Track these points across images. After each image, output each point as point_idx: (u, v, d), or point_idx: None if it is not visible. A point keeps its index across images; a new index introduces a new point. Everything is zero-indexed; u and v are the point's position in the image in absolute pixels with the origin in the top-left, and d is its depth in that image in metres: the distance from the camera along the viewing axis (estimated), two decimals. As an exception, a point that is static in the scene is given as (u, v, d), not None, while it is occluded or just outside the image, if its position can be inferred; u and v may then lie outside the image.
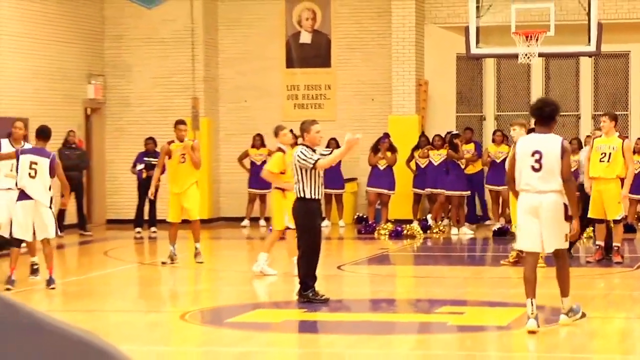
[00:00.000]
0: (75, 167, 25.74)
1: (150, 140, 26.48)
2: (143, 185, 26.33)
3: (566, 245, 13.47)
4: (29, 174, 16.49)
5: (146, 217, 26.48)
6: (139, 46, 29.49)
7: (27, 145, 17.63)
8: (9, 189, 17.24)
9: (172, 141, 20.13)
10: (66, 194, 17.46)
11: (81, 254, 24.50)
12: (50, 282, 16.67)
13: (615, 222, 19.28)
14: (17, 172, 16.66)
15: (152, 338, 13.63)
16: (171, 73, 29.33)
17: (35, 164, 16.49)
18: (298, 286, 15.49)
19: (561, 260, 13.16)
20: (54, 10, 27.33)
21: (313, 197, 15.35)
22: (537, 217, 12.84)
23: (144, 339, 13.42)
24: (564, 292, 13.08)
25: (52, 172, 16.51)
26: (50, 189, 16.57)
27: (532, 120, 26.38)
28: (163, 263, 19.73)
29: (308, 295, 15.42)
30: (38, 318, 1.37)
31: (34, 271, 17.56)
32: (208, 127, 29.31)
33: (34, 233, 16.60)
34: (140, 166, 26.18)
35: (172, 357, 12.64)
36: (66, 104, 27.71)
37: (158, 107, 29.16)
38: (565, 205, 12.87)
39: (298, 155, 15.38)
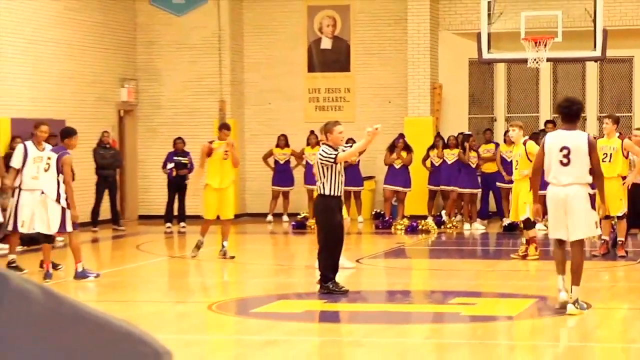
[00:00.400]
0: (109, 166, 25.87)
1: (180, 140, 26.63)
2: (173, 183, 26.50)
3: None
4: (44, 168, 16.60)
5: (176, 212, 26.60)
6: (169, 52, 29.55)
7: (48, 147, 17.63)
8: (34, 190, 17.18)
9: (213, 141, 19.88)
10: (69, 194, 16.75)
11: (115, 248, 24.56)
12: (76, 274, 16.70)
13: (618, 218, 19.28)
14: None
15: (181, 327, 13.65)
16: (200, 77, 29.38)
17: (49, 158, 16.59)
18: (319, 278, 15.54)
19: (578, 250, 13.37)
20: (90, 18, 27.41)
21: (333, 194, 15.36)
22: (564, 208, 13.11)
23: (173, 328, 13.45)
24: (576, 281, 13.23)
25: (59, 169, 16.49)
26: (59, 184, 16.48)
27: (543, 122, 26.41)
28: (193, 256, 19.65)
29: (329, 287, 15.44)
30: (80, 309, 1.37)
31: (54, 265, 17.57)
32: (234, 128, 29.25)
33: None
34: (170, 165, 26.33)
35: (200, 345, 12.67)
36: (101, 106, 27.80)
37: (187, 110, 29.22)
38: (590, 195, 13.25)
39: (320, 154, 15.42)
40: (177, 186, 26.62)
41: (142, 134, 29.53)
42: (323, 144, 15.95)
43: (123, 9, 29.05)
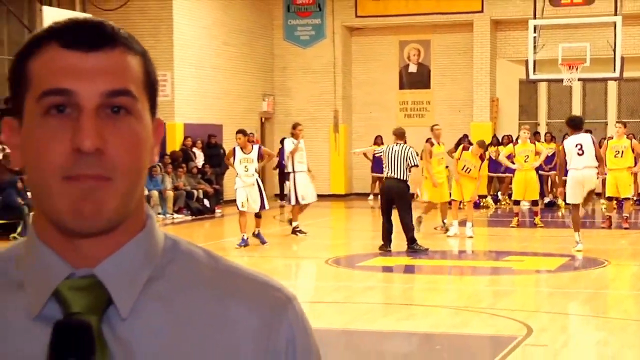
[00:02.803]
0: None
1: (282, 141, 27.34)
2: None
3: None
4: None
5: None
6: (297, 75, 29.68)
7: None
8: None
9: (432, 143, 18.34)
10: None
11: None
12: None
13: (626, 199, 19.27)
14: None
15: (304, 276, 13.73)
16: (319, 93, 29.46)
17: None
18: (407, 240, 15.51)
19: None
20: (240, 50, 27.65)
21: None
22: (581, 184, 14.90)
23: (298, 277, 13.53)
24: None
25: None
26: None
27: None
28: (418, 231, 17.93)
29: (414, 247, 15.42)
30: (232, 264, 1.40)
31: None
32: (345, 131, 29.38)
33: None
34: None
35: (319, 289, 12.73)
36: (247, 114, 28.03)
37: (310, 117, 29.30)
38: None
39: (410, 154, 15.41)
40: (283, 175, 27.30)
41: (277, 136, 29.66)
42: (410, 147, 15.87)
43: (264, 43, 29.25)
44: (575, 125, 15.28)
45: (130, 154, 1.29)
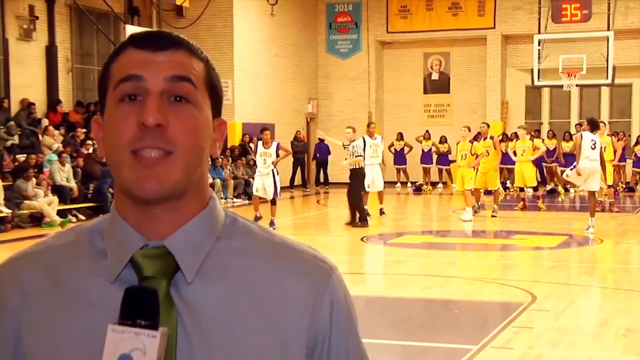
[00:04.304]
0: (300, 152, 26.14)
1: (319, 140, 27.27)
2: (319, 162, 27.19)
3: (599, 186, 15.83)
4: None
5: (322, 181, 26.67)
6: (337, 81, 29.64)
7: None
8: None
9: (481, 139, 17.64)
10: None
11: (303, 202, 24.76)
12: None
13: (610, 186, 19.10)
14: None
15: (343, 251, 13.70)
16: (356, 97, 29.41)
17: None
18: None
19: (594, 196, 15.28)
20: (290, 61, 27.67)
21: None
22: (589, 172, 14.86)
23: (339, 252, 13.50)
24: (592, 214, 15.09)
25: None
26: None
27: (572, 125, 25.52)
28: (493, 216, 18.07)
29: (365, 222, 15.32)
30: (285, 238, 1.39)
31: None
32: (377, 129, 29.10)
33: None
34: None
35: (355, 262, 12.69)
36: (296, 115, 28.06)
37: (348, 117, 29.22)
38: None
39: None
40: (320, 164, 27.19)
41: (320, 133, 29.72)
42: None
43: (310, 55, 29.24)
44: (594, 125, 15.49)
45: (188, 134, 1.29)
